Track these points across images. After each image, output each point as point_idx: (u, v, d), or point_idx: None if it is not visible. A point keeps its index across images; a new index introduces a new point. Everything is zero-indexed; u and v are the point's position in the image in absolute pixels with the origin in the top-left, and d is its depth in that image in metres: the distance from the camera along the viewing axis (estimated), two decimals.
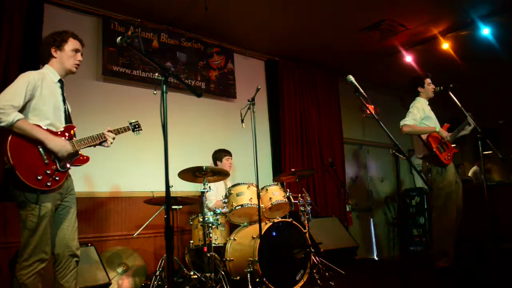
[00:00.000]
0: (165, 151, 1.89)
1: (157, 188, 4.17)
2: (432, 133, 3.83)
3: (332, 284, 3.52)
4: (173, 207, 3.91)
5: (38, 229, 2.18)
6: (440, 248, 3.73)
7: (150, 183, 4.32)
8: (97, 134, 2.52)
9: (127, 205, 4.26)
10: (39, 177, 2.18)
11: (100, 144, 2.56)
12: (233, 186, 3.83)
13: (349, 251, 5.22)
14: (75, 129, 2.47)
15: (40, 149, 2.23)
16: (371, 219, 7.08)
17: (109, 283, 3.41)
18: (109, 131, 2.58)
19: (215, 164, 4.49)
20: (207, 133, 5.06)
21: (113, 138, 2.58)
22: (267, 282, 3.24)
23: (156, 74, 2.04)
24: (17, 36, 3.64)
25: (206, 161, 4.49)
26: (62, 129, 2.40)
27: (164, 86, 1.95)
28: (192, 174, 3.55)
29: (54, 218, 2.31)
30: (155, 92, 2.07)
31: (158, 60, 4.49)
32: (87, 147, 2.49)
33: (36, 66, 3.74)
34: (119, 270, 3.69)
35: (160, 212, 4.04)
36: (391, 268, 5.19)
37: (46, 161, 2.23)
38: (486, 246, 4.20)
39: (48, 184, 2.22)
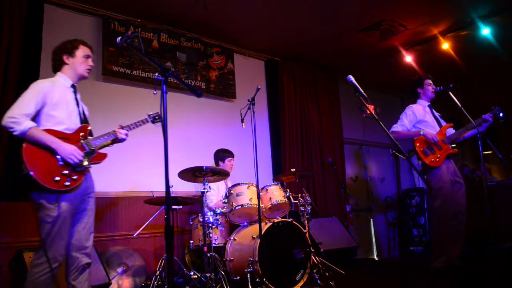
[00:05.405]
0: (165, 151, 1.89)
1: (157, 188, 4.17)
2: (419, 137, 3.80)
3: (332, 284, 3.52)
4: (173, 207, 3.91)
5: (53, 230, 2.22)
6: (438, 249, 3.71)
7: (150, 183, 4.32)
8: (108, 133, 2.59)
9: (127, 205, 4.26)
10: (56, 178, 2.23)
11: (114, 142, 2.63)
12: (233, 186, 3.82)
13: (349, 251, 5.21)
14: (89, 128, 2.53)
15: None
16: (371, 219, 7.08)
17: (109, 283, 3.41)
18: (121, 127, 2.66)
19: (217, 164, 4.48)
20: (207, 133, 5.06)
21: (126, 134, 2.66)
22: (267, 282, 3.24)
23: (156, 74, 2.05)
24: (17, 37, 3.64)
25: (206, 161, 4.48)
26: (76, 129, 2.45)
27: (164, 86, 1.96)
28: (192, 174, 3.55)
29: (71, 220, 2.35)
30: (155, 92, 2.07)
31: (158, 60, 4.50)
32: (103, 147, 2.55)
33: (36, 66, 3.79)
34: (119, 270, 3.69)
35: (160, 212, 4.04)
36: (391, 268, 5.19)
37: (61, 162, 2.28)
38: (486, 246, 4.19)
39: (67, 184, 2.27)
